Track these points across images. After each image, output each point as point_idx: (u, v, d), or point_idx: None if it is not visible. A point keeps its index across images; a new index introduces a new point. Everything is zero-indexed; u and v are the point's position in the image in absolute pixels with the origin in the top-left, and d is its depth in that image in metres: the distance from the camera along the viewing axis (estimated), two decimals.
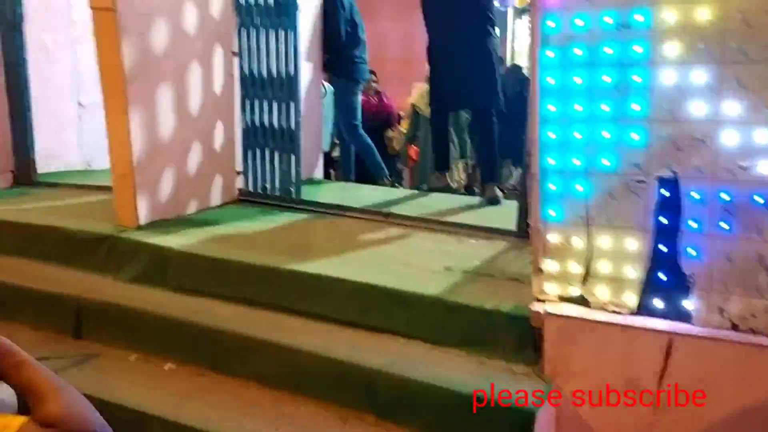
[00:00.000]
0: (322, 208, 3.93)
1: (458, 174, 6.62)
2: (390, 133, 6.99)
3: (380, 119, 6.82)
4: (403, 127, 7.18)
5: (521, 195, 3.28)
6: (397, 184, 6.12)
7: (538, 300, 2.26)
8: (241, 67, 4.00)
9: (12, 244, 3.79)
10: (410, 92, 6.85)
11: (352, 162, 6.16)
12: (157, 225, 3.61)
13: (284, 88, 3.89)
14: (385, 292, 2.79)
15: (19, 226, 3.81)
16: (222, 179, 4.08)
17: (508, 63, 9.02)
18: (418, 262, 3.08)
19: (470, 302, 2.64)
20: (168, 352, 2.95)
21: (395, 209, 3.82)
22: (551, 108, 2.14)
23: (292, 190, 4.03)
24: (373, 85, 6.67)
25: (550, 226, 2.20)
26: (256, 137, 4.09)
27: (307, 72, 4.08)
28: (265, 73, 3.95)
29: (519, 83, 8.36)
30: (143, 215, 3.57)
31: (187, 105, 3.75)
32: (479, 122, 4.72)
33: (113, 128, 3.49)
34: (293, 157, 3.99)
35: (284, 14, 3.79)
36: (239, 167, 4.17)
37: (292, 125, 3.93)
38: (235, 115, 4.07)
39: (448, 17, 4.57)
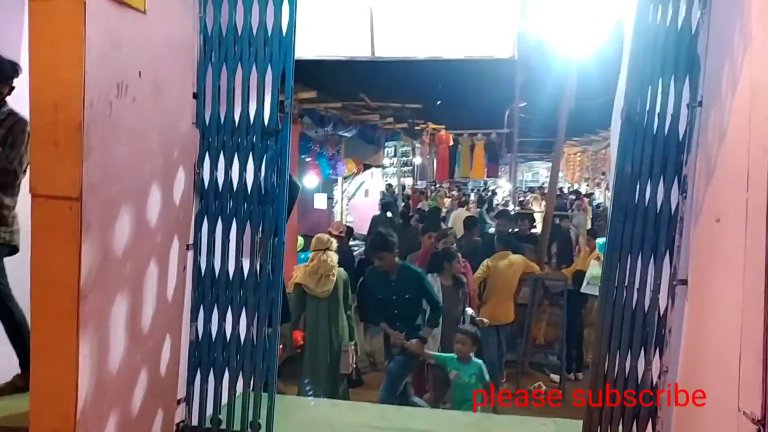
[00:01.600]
0: None
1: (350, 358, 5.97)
2: None
3: None
4: None
5: (589, 417, 2.81)
6: None
7: None
8: (198, 264, 3.11)
9: None
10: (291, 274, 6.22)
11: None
12: None
13: (259, 290, 3.06)
14: None
15: None
16: (162, 413, 2.99)
17: None
18: None
19: None
20: None
21: None
22: None
23: (261, 424, 3.08)
24: None
25: None
26: (208, 353, 3.11)
27: None
28: (230, 271, 3.09)
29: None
30: None
31: (140, 321, 2.74)
32: None
33: (49, 364, 2.34)
34: (266, 380, 3.08)
35: (267, 203, 3.06)
36: (181, 393, 3.12)
37: (266, 336, 3.07)
38: (183, 326, 3.10)
39: None
